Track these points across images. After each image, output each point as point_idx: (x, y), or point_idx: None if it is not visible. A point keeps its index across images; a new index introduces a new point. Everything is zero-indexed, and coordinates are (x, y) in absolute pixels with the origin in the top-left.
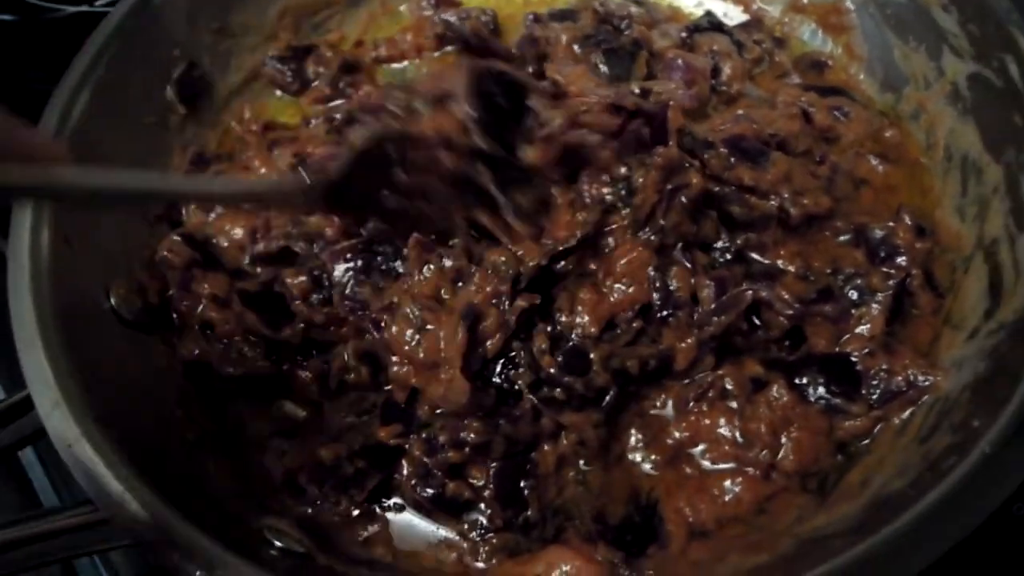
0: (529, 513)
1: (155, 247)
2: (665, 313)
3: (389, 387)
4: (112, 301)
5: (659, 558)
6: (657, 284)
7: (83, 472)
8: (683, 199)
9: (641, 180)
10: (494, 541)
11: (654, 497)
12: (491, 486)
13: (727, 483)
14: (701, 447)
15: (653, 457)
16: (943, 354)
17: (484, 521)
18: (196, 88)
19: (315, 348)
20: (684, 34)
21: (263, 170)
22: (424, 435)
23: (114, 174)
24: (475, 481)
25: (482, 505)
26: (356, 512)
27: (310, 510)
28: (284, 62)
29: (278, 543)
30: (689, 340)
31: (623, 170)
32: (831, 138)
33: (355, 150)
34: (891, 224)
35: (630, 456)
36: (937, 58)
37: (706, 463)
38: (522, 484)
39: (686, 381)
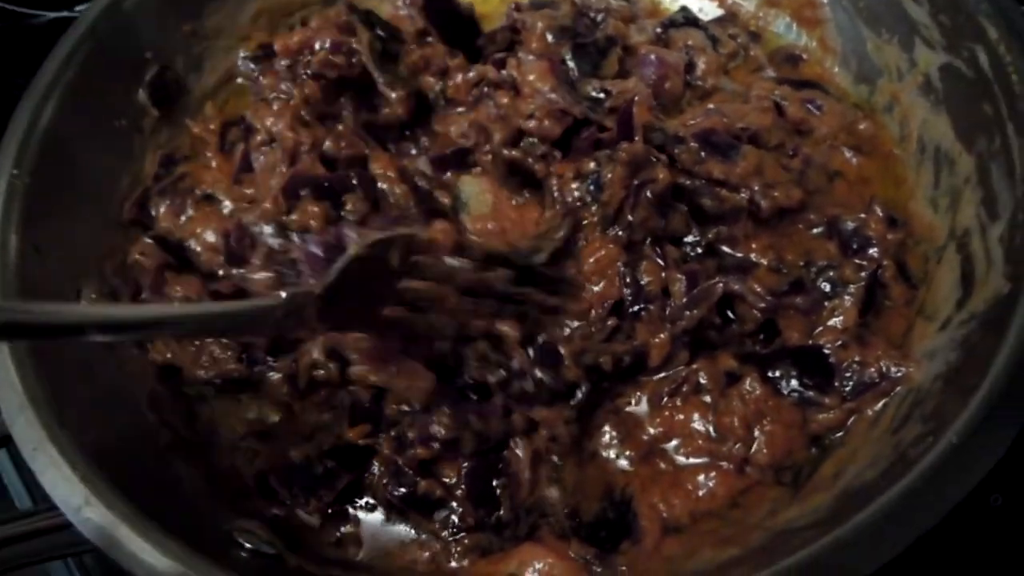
0: (501, 513)
1: (127, 251)
2: (637, 308)
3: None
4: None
5: (632, 553)
6: (628, 280)
7: (47, 477)
8: (649, 194)
9: (609, 176)
10: (466, 541)
11: (628, 493)
12: (463, 485)
13: (701, 477)
14: (675, 442)
15: (628, 453)
16: (916, 345)
17: (456, 520)
18: (169, 91)
19: (284, 348)
20: (659, 30)
21: (214, 163)
22: (393, 433)
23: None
24: (447, 479)
25: (454, 504)
26: (328, 511)
27: (281, 512)
28: (257, 62)
29: (248, 545)
30: (662, 335)
31: (592, 165)
32: (804, 131)
33: (350, 257)
34: (863, 216)
35: (604, 453)
36: (909, 50)
37: (680, 458)
38: (495, 483)
39: (660, 375)
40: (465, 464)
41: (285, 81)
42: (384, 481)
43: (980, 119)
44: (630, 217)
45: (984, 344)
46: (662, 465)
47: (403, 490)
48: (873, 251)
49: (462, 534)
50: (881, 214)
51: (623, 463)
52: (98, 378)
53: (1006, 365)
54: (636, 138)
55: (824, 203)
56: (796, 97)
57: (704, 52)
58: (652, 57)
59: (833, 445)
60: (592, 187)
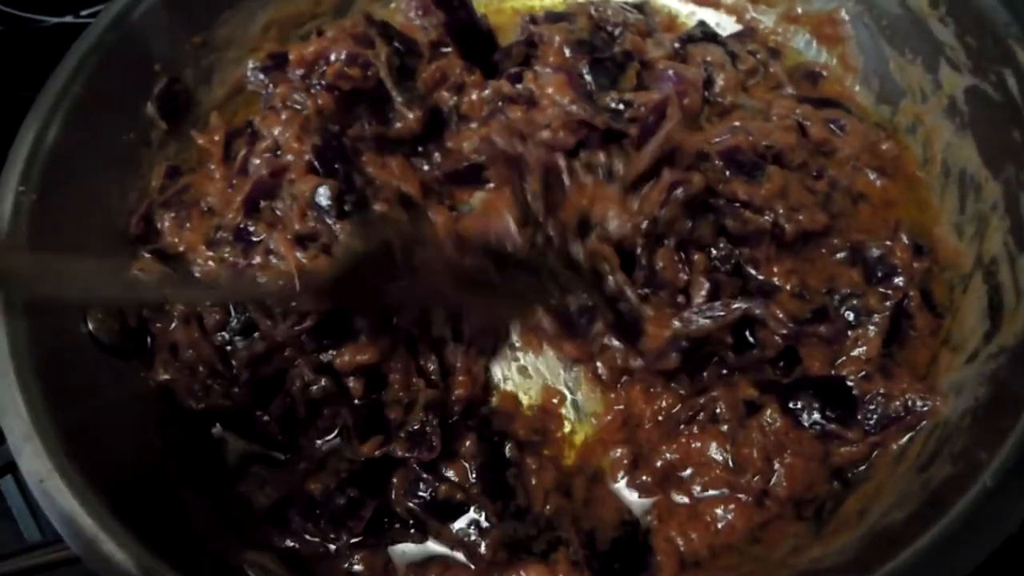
0: (518, 501)
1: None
2: (647, 291)
3: (355, 398)
4: (90, 326)
5: None
6: (643, 261)
7: (55, 510)
8: (682, 193)
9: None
10: (493, 533)
11: (645, 525)
12: (477, 483)
13: (719, 510)
14: (690, 471)
15: (644, 478)
16: (942, 377)
17: (481, 520)
18: (178, 103)
19: (269, 390)
20: (677, 45)
21: (218, 175)
22: (403, 433)
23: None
24: (455, 479)
25: (475, 506)
26: (363, 543)
27: (295, 544)
28: (267, 72)
29: None
30: (666, 331)
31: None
32: (827, 152)
33: (355, 254)
34: (888, 243)
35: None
36: (934, 71)
37: (696, 488)
38: (506, 475)
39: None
40: (475, 466)
41: (299, 91)
42: (403, 493)
43: (1008, 145)
44: (658, 212)
45: (1015, 381)
46: (678, 497)
47: (425, 497)
48: (899, 280)
49: (488, 529)
50: (907, 241)
51: (635, 495)
52: (105, 404)
53: None
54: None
55: (848, 227)
56: (818, 117)
57: (723, 68)
58: (670, 72)
59: (857, 480)
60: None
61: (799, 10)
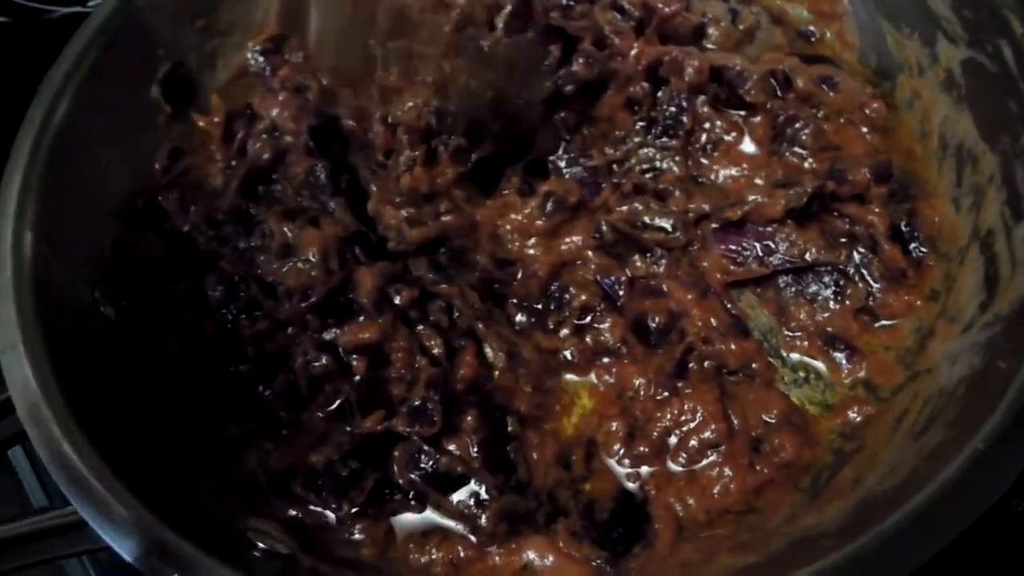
0: (519, 475)
1: (137, 245)
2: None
3: (356, 375)
4: (97, 300)
5: (644, 557)
6: None
7: (64, 476)
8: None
9: None
10: (494, 506)
11: (643, 495)
12: (479, 457)
13: (715, 472)
14: (686, 431)
15: (641, 449)
16: (938, 348)
17: (481, 493)
18: (183, 87)
19: (272, 367)
20: (677, 6)
21: (218, 156)
22: (405, 408)
23: None
24: (459, 452)
25: (475, 479)
26: (365, 512)
27: (297, 512)
28: (267, 55)
29: (262, 544)
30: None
31: None
32: (814, 105)
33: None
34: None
35: (616, 450)
36: (931, 44)
37: (693, 447)
38: (507, 449)
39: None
40: (477, 439)
41: (302, 72)
42: (406, 464)
43: (1004, 116)
44: None
45: (1009, 348)
46: (674, 466)
47: (426, 469)
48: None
49: (488, 502)
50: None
51: (634, 467)
52: (112, 376)
53: None
54: None
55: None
56: (807, 71)
57: (719, 23)
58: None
59: (853, 450)
60: None
61: None
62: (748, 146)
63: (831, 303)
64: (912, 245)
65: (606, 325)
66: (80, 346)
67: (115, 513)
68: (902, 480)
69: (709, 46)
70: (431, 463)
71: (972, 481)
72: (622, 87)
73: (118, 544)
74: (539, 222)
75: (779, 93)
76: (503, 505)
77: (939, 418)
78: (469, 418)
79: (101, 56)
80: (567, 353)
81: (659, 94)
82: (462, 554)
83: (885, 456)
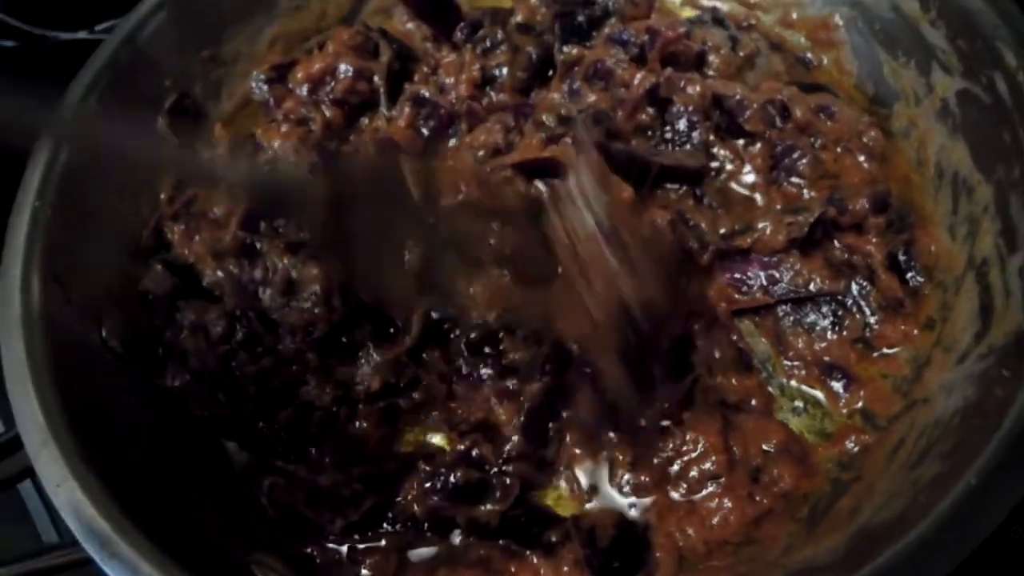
0: (547, 452)
1: (143, 277)
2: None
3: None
4: (104, 334)
5: None
6: None
7: (71, 513)
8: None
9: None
10: (512, 467)
11: (644, 522)
12: (522, 419)
13: (714, 503)
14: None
15: (643, 479)
16: (934, 378)
17: (510, 448)
18: (189, 117)
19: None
20: (683, 29)
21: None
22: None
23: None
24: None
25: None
26: (354, 534)
27: (308, 548)
28: (271, 83)
29: None
30: None
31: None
32: (811, 135)
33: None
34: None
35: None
36: (927, 74)
37: (693, 478)
38: (549, 426)
39: None
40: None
41: (306, 106)
42: (424, 490)
43: (998, 147)
44: None
45: (1003, 380)
46: (675, 495)
47: (449, 486)
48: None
49: (511, 459)
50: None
51: (633, 496)
52: (119, 411)
53: None
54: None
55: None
56: (805, 101)
57: (719, 51)
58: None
59: (850, 479)
60: None
61: (794, 16)
62: (749, 175)
63: (829, 333)
64: (909, 275)
65: None
66: (88, 380)
67: (122, 553)
68: (899, 513)
69: (711, 73)
70: (448, 480)
71: (966, 515)
72: (629, 116)
73: None
74: None
75: (778, 123)
76: (520, 470)
77: (934, 449)
78: None
79: (109, 87)
80: None
81: (666, 115)
82: None
83: (881, 486)
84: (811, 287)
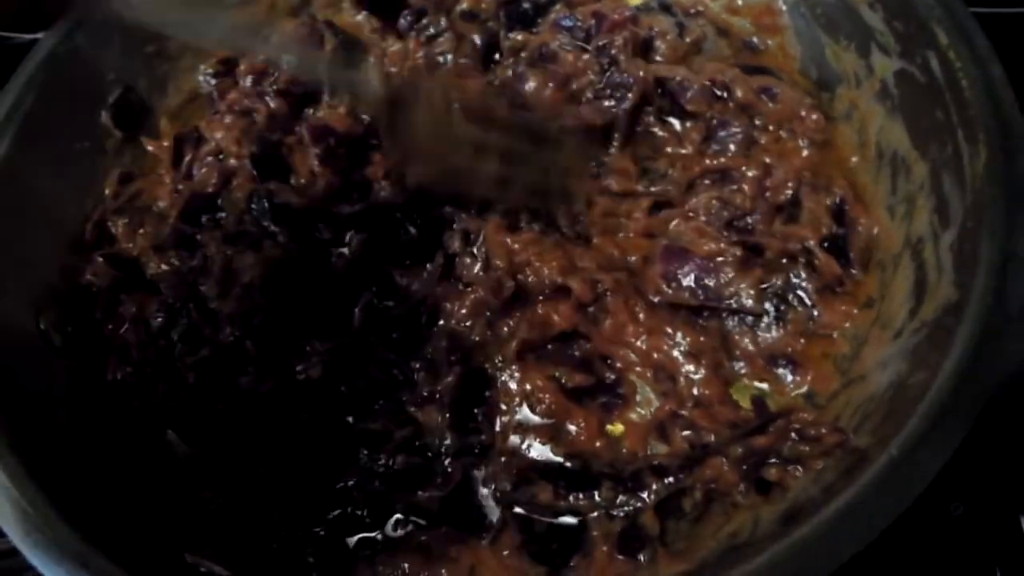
0: (482, 438)
1: (84, 270)
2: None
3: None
4: (42, 327)
5: (583, 568)
6: None
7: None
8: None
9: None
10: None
11: None
12: (448, 417)
13: None
14: None
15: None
16: (871, 355)
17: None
18: (133, 112)
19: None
20: (628, 13)
21: (167, 180)
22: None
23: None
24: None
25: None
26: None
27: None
28: (218, 77)
29: (202, 569)
30: None
31: None
32: (752, 115)
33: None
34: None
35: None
36: (866, 56)
37: None
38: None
39: None
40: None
41: (250, 97)
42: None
43: (933, 126)
44: None
45: (931, 353)
46: None
47: (384, 473)
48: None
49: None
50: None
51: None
52: (56, 404)
53: (951, 375)
54: None
55: None
56: (747, 83)
57: (666, 37)
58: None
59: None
60: None
61: (740, 2)
62: (684, 148)
63: (773, 329)
64: (850, 255)
65: None
66: (24, 373)
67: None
68: (823, 488)
69: (657, 58)
70: (388, 464)
71: (885, 488)
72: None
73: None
74: None
75: (720, 100)
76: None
77: (866, 424)
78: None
79: (48, 83)
80: None
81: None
82: (407, 569)
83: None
84: (733, 302)
